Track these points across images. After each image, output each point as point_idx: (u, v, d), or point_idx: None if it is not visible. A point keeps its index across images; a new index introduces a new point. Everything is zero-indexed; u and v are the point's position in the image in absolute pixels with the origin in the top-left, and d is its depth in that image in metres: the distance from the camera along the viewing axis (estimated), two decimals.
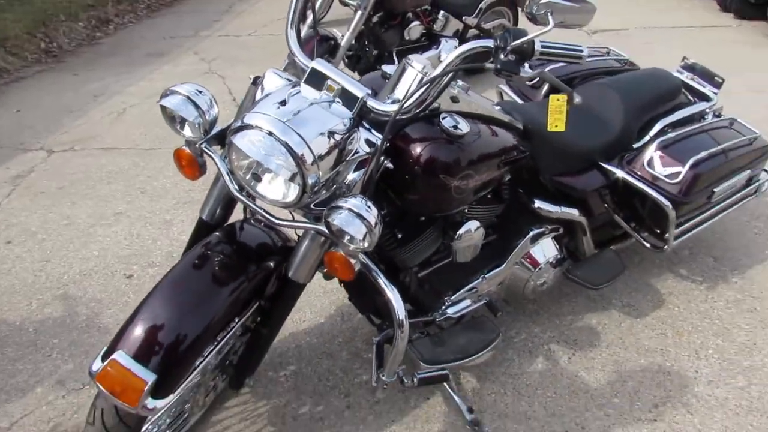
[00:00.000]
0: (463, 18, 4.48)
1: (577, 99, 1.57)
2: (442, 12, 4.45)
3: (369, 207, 1.39)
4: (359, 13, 1.91)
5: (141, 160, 3.75)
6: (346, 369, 2.17)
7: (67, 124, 4.33)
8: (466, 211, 1.85)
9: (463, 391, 2.08)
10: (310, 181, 1.37)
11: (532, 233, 2.06)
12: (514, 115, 1.90)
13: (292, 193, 1.40)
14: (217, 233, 1.65)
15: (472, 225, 1.83)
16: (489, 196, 1.98)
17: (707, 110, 2.39)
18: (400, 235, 1.81)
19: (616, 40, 5.85)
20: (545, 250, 2.11)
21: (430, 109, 1.60)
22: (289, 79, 1.59)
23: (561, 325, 2.35)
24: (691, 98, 2.47)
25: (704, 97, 2.44)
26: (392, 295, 1.58)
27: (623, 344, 2.26)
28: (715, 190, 2.14)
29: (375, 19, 4.13)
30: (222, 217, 1.72)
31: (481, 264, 2.05)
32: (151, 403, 1.37)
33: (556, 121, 1.61)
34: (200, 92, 1.48)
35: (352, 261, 1.50)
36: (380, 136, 1.51)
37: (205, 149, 1.54)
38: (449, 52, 4.67)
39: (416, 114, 1.53)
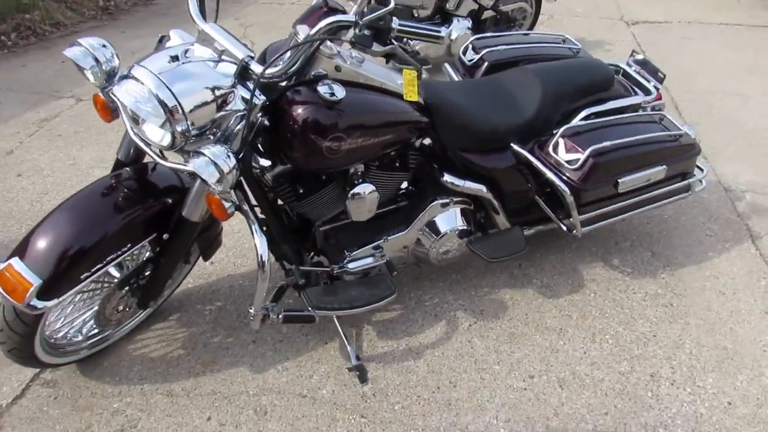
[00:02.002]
0: None
1: (425, 75, 1.70)
2: None
3: (228, 156, 1.59)
4: None
5: None
6: (235, 314, 2.39)
7: None
8: (360, 172, 2.00)
9: (359, 341, 2.27)
10: (179, 129, 1.59)
11: (434, 203, 2.20)
12: (419, 90, 2.03)
13: (167, 138, 1.62)
14: (128, 169, 1.91)
15: (366, 188, 2.00)
16: (397, 163, 2.14)
17: (644, 104, 2.43)
18: (301, 191, 2.01)
19: (652, 32, 5.74)
20: (450, 221, 2.25)
21: (315, 76, 1.78)
22: (191, 41, 1.79)
23: (475, 295, 2.49)
24: (637, 91, 2.50)
25: (646, 91, 2.47)
26: (258, 240, 1.80)
27: (525, 320, 2.37)
28: (619, 180, 2.19)
29: None
30: (135, 157, 1.96)
31: (387, 226, 2.22)
32: (36, 302, 1.64)
33: (410, 92, 1.75)
34: (104, 46, 1.71)
35: (226, 204, 1.72)
36: (258, 95, 1.70)
37: (112, 95, 1.78)
38: (461, 32, 4.78)
39: (284, 77, 1.71)
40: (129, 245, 1.82)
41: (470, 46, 2.57)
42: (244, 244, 2.78)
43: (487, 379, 2.12)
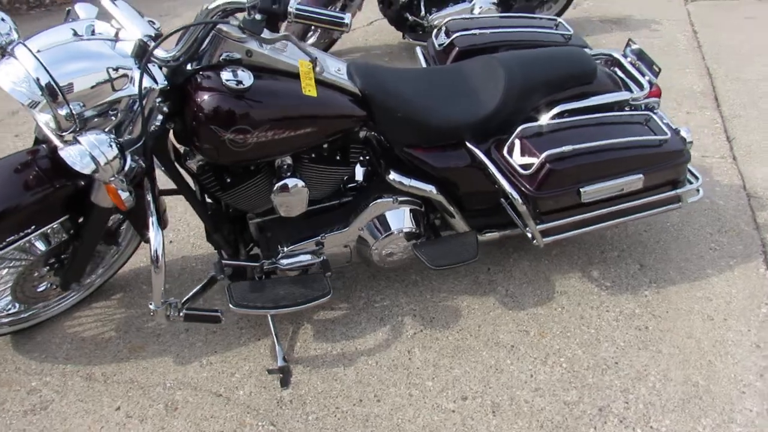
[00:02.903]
0: None
1: (318, 68, 1.51)
2: None
3: (111, 145, 1.49)
4: None
5: None
6: (207, 298, 2.31)
7: None
8: (287, 165, 1.85)
9: (294, 339, 2.15)
10: (61, 112, 1.49)
11: (376, 202, 2.03)
12: (355, 78, 1.84)
13: (53, 122, 1.52)
14: (44, 146, 1.83)
15: (293, 182, 1.85)
16: (338, 156, 1.97)
17: (633, 100, 2.13)
18: (228, 180, 1.88)
19: (713, 10, 5.18)
20: (397, 221, 2.07)
21: (225, 59, 1.62)
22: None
23: (429, 300, 2.31)
24: (632, 86, 2.20)
25: (640, 86, 2.17)
26: (152, 232, 1.68)
27: (477, 333, 2.18)
28: (582, 189, 1.93)
29: None
30: None
31: (327, 222, 2.07)
32: None
33: (308, 86, 1.57)
34: (3, 20, 1.61)
35: (122, 195, 1.62)
36: (160, 80, 1.58)
37: None
38: (485, 5, 4.47)
39: (182, 60, 1.57)
40: (33, 227, 1.75)
41: (443, 29, 2.33)
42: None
43: (415, 396, 1.96)
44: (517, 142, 1.91)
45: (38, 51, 1.47)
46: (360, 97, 1.84)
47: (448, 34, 2.28)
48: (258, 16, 1.45)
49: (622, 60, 2.24)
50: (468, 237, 2.13)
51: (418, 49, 2.46)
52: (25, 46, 1.48)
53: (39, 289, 2.01)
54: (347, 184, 2.16)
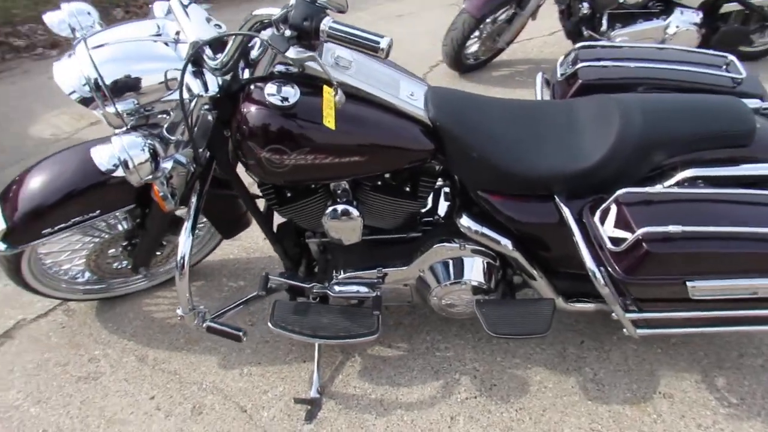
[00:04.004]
0: None
1: (338, 97, 1.29)
2: None
3: (142, 149, 1.47)
4: None
5: None
6: (268, 303, 2.25)
7: None
8: (342, 189, 1.70)
9: (338, 371, 2.01)
10: (109, 110, 1.50)
11: (439, 245, 1.79)
12: (430, 105, 1.61)
13: (103, 118, 1.54)
14: None
15: (346, 209, 1.70)
16: (406, 187, 1.77)
17: None
18: (289, 194, 1.78)
19: None
20: (467, 270, 1.82)
21: (282, 72, 1.51)
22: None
23: (498, 363, 2.01)
24: None
25: None
26: (182, 238, 1.64)
27: (539, 417, 1.84)
28: (689, 284, 1.48)
29: None
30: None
31: (391, 255, 1.89)
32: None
33: (328, 116, 1.36)
34: (89, 13, 1.65)
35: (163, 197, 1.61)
36: (212, 86, 1.53)
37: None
38: (683, 25, 3.93)
39: (224, 69, 1.48)
40: (98, 211, 1.82)
41: (572, 55, 1.96)
42: None
43: None
44: (613, 209, 1.53)
45: (96, 47, 1.48)
46: (431, 128, 1.61)
47: (574, 62, 1.91)
48: (288, 32, 1.30)
49: None
50: (542, 306, 1.79)
51: (539, 76, 2.11)
52: (84, 42, 1.50)
53: (114, 266, 2.12)
54: (424, 217, 1.94)
